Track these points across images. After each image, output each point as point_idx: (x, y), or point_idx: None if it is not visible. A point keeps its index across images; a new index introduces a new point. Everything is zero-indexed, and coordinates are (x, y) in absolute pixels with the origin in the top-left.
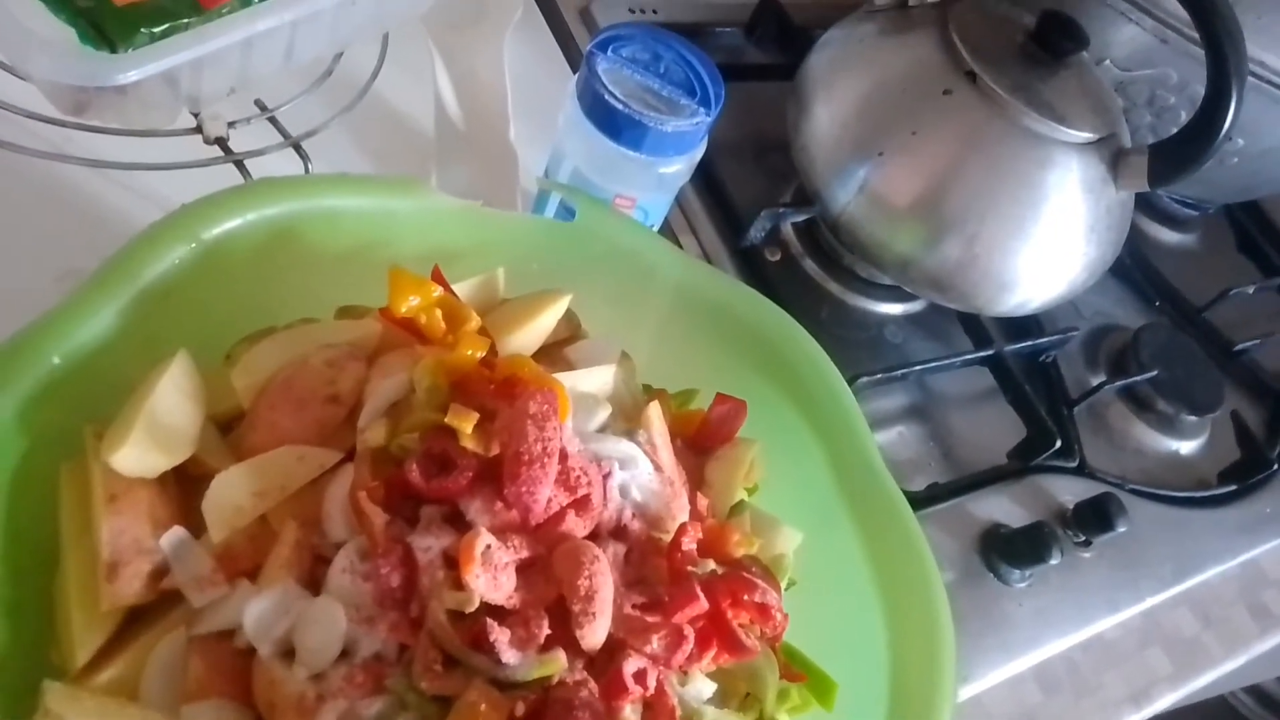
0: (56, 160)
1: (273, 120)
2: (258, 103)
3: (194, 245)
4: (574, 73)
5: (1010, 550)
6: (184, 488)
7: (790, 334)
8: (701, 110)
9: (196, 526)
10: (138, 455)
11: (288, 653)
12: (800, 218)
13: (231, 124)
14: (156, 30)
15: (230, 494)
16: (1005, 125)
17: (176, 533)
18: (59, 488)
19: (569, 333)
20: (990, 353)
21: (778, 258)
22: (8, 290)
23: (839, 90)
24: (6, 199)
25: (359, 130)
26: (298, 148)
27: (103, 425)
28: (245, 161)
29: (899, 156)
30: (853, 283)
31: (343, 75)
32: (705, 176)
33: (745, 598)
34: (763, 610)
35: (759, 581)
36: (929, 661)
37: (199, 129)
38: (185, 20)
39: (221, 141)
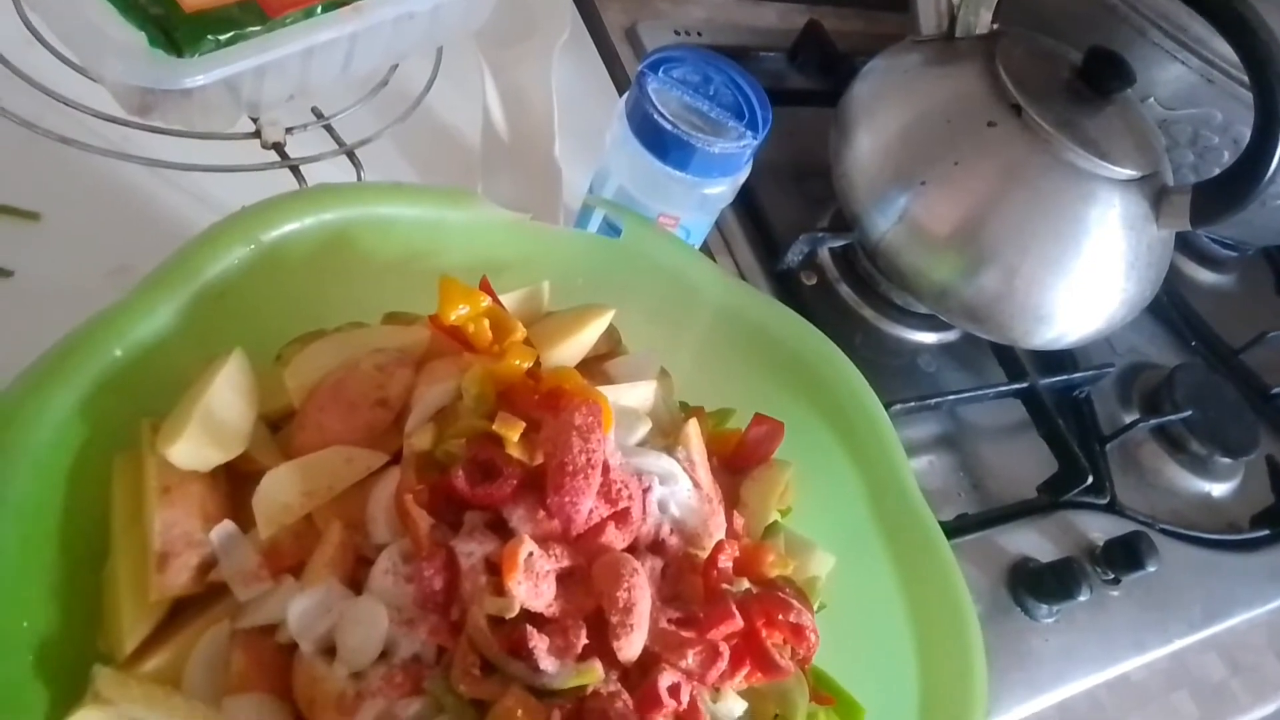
0: (117, 159)
1: (328, 128)
2: (314, 110)
3: (252, 247)
4: (619, 92)
5: (1038, 585)
6: (233, 484)
7: (830, 358)
8: (749, 133)
9: (243, 522)
10: (192, 449)
11: (328, 650)
12: (838, 243)
13: (289, 130)
14: (223, 37)
15: (279, 491)
16: (1049, 160)
17: (226, 527)
18: (112, 478)
19: (609, 348)
20: (1024, 385)
21: (813, 282)
22: (62, 283)
23: (882, 118)
24: (67, 195)
25: (407, 141)
26: (351, 155)
27: (157, 419)
28: (300, 167)
29: (941, 186)
30: (888, 310)
31: (396, 87)
32: (744, 199)
33: (780, 618)
34: (797, 631)
35: (794, 602)
36: (960, 695)
37: (257, 134)
38: (250, 29)
39: (279, 147)
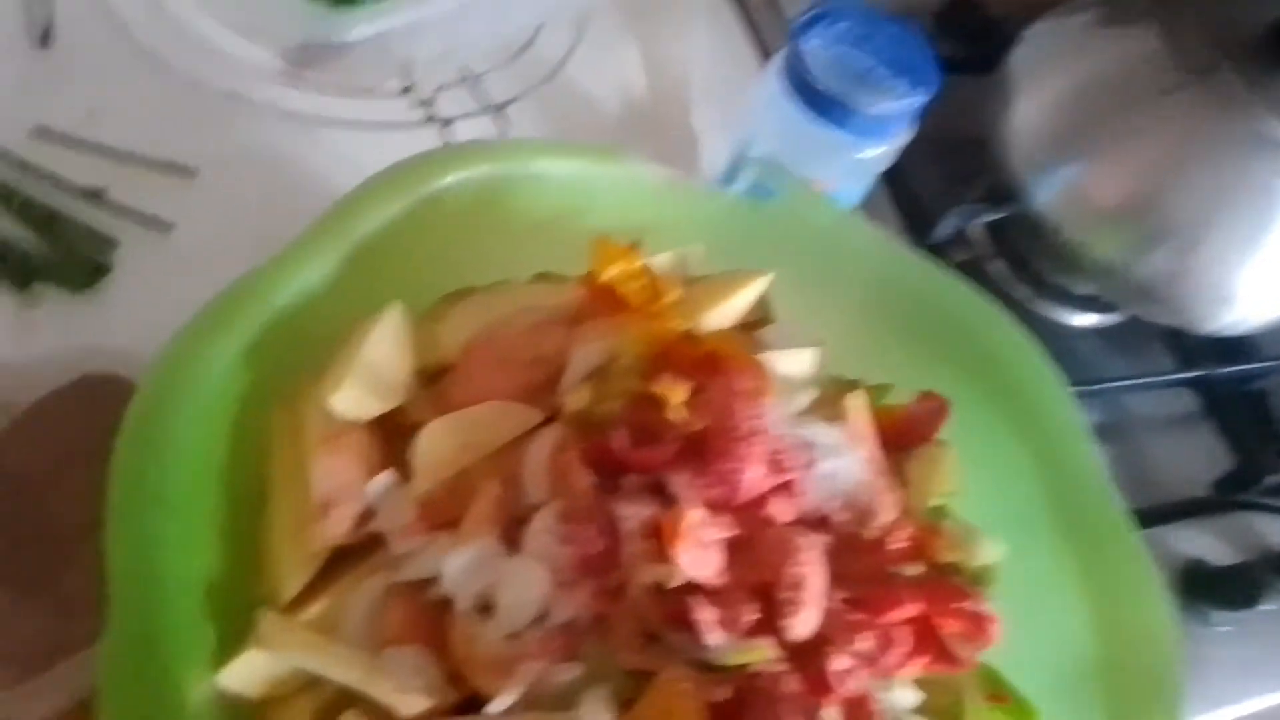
0: (273, 116)
1: (475, 87)
2: (462, 70)
3: (409, 200)
4: (759, 57)
5: (1214, 590)
6: (387, 437)
7: (1007, 334)
8: (915, 92)
9: (399, 476)
10: (354, 398)
11: (484, 609)
12: (993, 217)
13: (438, 89)
14: None
15: (437, 445)
16: (1237, 128)
17: (386, 477)
18: (273, 426)
19: (759, 315)
20: (1199, 374)
21: (963, 258)
22: (217, 237)
23: (1048, 83)
24: (222, 152)
25: (548, 105)
26: (498, 115)
27: (317, 370)
28: (448, 126)
29: (1113, 155)
30: (1043, 289)
31: (540, 50)
32: (889, 169)
33: (957, 606)
34: (976, 622)
35: (973, 591)
36: (1152, 705)
37: (408, 92)
38: None
39: (428, 105)
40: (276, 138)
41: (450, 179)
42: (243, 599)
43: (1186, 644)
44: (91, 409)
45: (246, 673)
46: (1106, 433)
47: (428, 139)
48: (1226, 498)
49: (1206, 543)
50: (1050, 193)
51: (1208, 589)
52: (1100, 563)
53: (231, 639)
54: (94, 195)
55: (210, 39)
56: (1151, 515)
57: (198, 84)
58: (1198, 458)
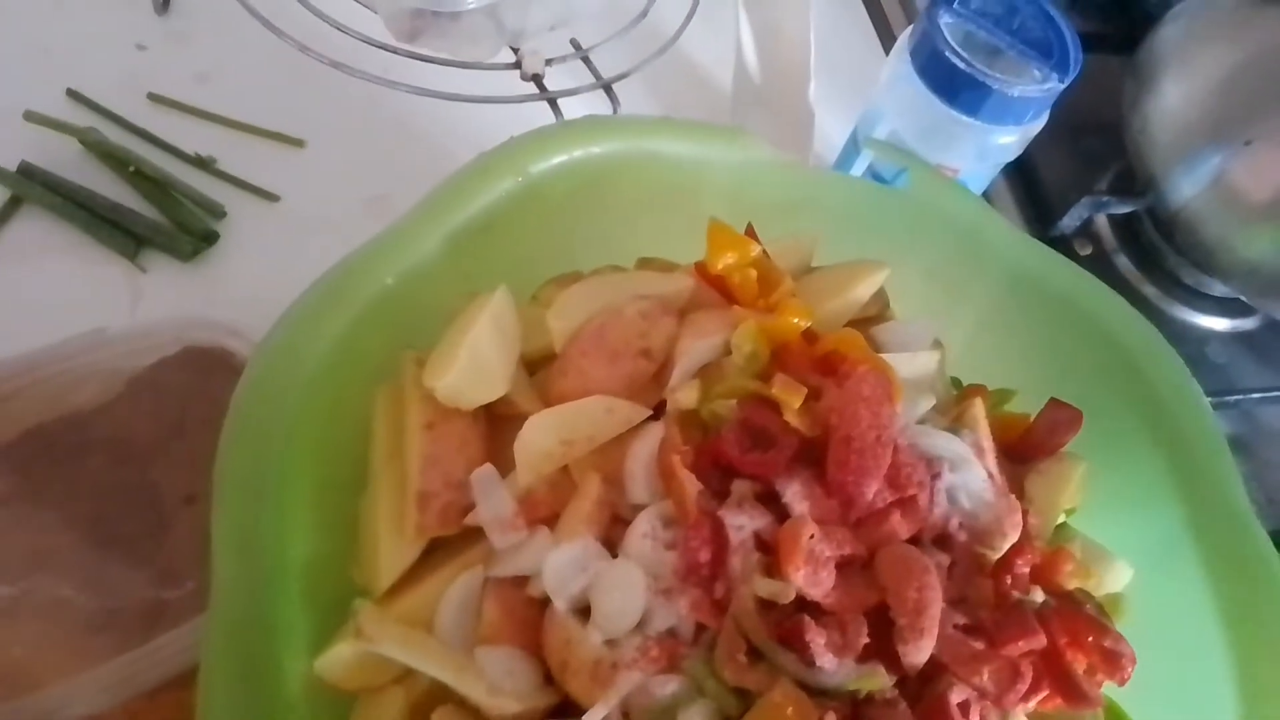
0: (381, 85)
1: (586, 60)
2: (573, 42)
3: (519, 179)
4: (878, 32)
5: None
6: (489, 426)
7: (1151, 344)
8: (1054, 75)
9: (499, 468)
10: (459, 386)
11: (581, 611)
12: (1124, 209)
13: (548, 62)
14: None
15: (540, 438)
16: None
17: (487, 470)
18: (375, 408)
19: (877, 310)
20: None
21: (1088, 251)
22: (324, 209)
23: (1198, 65)
24: (329, 123)
25: (659, 80)
26: (608, 90)
27: (421, 352)
28: (557, 100)
29: (1272, 145)
30: (1174, 289)
31: (652, 23)
32: None
33: (1090, 640)
34: (1110, 658)
35: (1107, 624)
36: None
37: (518, 65)
38: None
39: (538, 79)
40: (384, 109)
41: (560, 158)
42: (342, 583)
43: None
44: (194, 380)
45: (342, 661)
46: (1238, 447)
47: (537, 113)
48: None
49: None
50: (1194, 185)
51: None
52: (1246, 603)
53: (330, 624)
54: (205, 163)
55: (321, 7)
56: None
57: (306, 51)
58: None
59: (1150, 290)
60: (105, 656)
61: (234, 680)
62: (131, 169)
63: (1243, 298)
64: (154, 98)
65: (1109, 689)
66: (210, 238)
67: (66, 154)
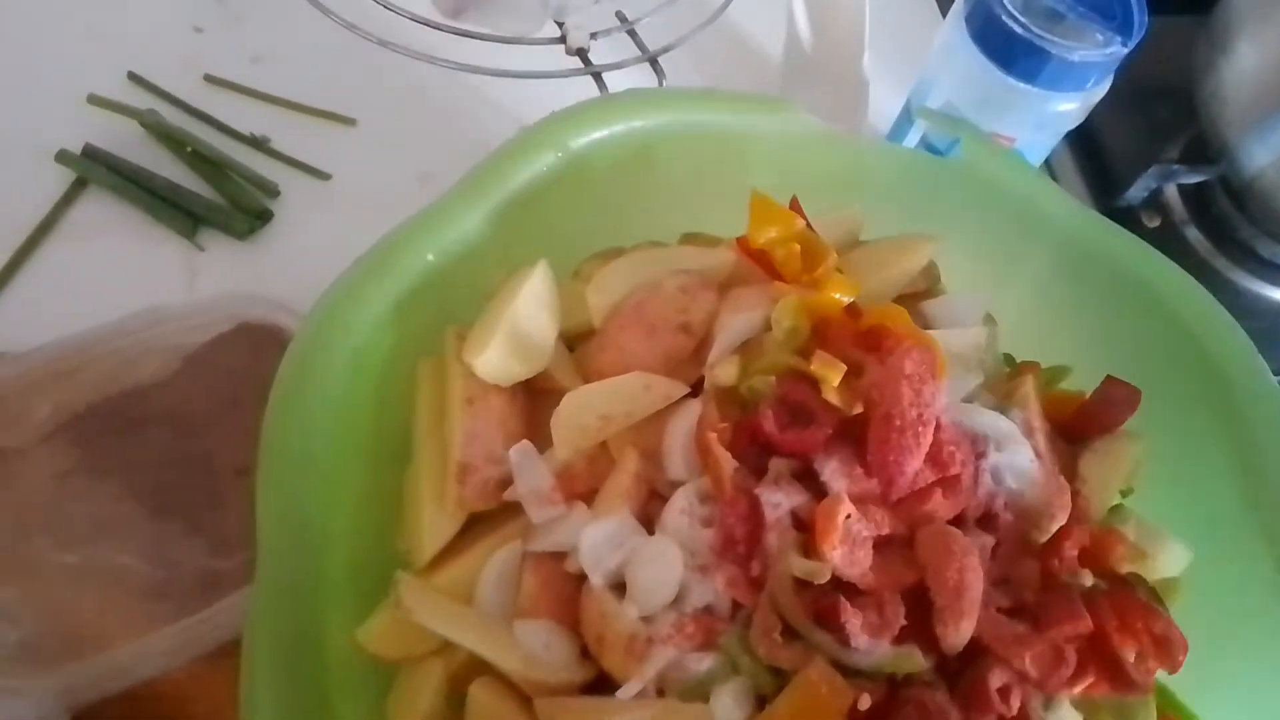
0: (428, 63)
1: (631, 33)
2: (618, 15)
3: (560, 154)
4: (939, 1)
5: None
6: (528, 400)
7: (1214, 318)
8: (1117, 39)
9: (536, 442)
10: (499, 362)
11: (617, 586)
12: (1196, 179)
13: (593, 35)
14: None
15: (578, 414)
16: None
17: (525, 445)
18: (418, 383)
19: (926, 285)
20: None
21: (1156, 224)
22: (373, 186)
23: (1277, 24)
24: (378, 101)
25: (706, 52)
26: (654, 63)
27: (463, 327)
28: (602, 75)
29: None
30: (1248, 261)
31: None
32: None
33: (1140, 625)
34: (1163, 645)
35: (1159, 609)
36: None
37: (562, 39)
38: None
39: (583, 53)
40: (432, 87)
41: (604, 132)
42: (385, 554)
43: None
44: (249, 356)
45: (382, 632)
46: None
47: (581, 87)
48: None
49: None
50: (1270, 152)
51: None
52: None
53: (372, 593)
54: (259, 143)
55: None
56: None
57: (354, 30)
58: None
59: (1222, 263)
60: (165, 621)
61: (278, 649)
62: (189, 149)
63: None
64: (210, 79)
65: (1168, 678)
66: (265, 216)
67: (128, 136)
